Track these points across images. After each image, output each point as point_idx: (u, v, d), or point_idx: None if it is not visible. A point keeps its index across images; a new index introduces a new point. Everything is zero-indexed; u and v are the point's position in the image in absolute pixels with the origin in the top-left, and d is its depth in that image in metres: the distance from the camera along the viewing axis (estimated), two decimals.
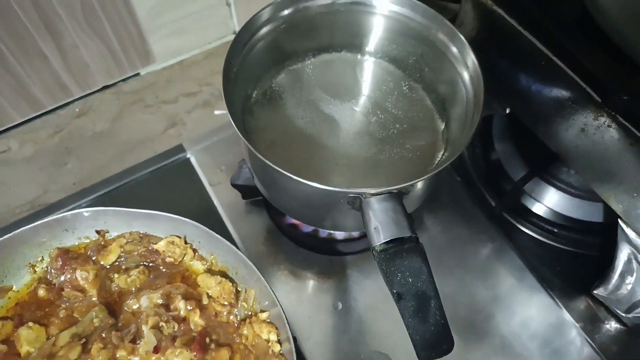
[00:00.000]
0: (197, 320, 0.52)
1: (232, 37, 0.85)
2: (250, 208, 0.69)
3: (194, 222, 0.53)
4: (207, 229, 0.52)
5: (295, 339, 0.50)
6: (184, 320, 0.52)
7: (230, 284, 0.53)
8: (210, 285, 0.53)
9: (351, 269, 0.66)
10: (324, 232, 0.66)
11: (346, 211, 0.49)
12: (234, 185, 0.66)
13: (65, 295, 0.53)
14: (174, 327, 0.51)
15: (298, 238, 0.67)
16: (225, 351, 0.51)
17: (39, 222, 0.52)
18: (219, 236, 0.52)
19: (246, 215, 0.69)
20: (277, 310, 0.50)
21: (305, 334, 0.61)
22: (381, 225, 0.45)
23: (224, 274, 0.55)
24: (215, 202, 0.69)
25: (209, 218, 0.66)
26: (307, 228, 0.66)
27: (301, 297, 0.64)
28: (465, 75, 0.52)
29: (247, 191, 0.67)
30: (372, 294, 0.65)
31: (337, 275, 0.66)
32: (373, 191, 0.45)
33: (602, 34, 0.50)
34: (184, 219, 0.53)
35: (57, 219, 0.53)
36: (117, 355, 0.50)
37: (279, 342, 0.50)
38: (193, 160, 0.73)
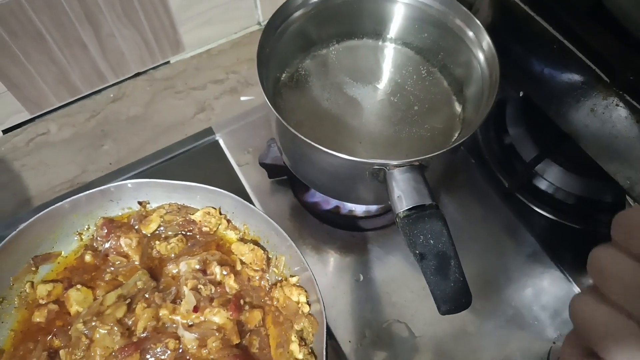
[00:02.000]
0: (232, 284, 0.56)
1: (257, 27, 0.90)
2: (275, 187, 0.74)
3: (229, 194, 0.57)
4: (242, 200, 0.57)
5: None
6: (219, 284, 0.56)
7: (262, 251, 0.57)
8: (243, 252, 0.57)
9: (372, 244, 0.70)
10: (345, 209, 0.70)
11: (370, 184, 0.53)
12: (262, 164, 0.70)
13: (111, 260, 0.58)
14: (211, 290, 0.55)
15: (321, 215, 0.71)
16: (257, 312, 0.55)
17: (86, 192, 0.57)
18: (253, 206, 0.56)
19: (272, 194, 0.73)
20: (307, 275, 0.54)
21: (329, 303, 0.65)
22: (404, 194, 0.49)
23: (255, 243, 0.59)
24: (243, 181, 0.74)
25: (238, 196, 0.71)
26: (329, 205, 0.70)
27: (325, 269, 0.68)
28: (481, 57, 0.56)
29: (273, 170, 0.71)
30: (392, 267, 0.69)
31: (358, 249, 0.70)
32: (396, 162, 0.49)
33: (612, 18, 0.53)
34: (220, 190, 0.57)
35: (102, 190, 0.58)
36: (160, 315, 0.54)
37: (308, 303, 0.54)
38: (221, 142, 0.78)
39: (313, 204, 0.71)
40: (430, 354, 0.62)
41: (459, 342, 0.64)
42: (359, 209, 0.70)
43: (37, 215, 0.55)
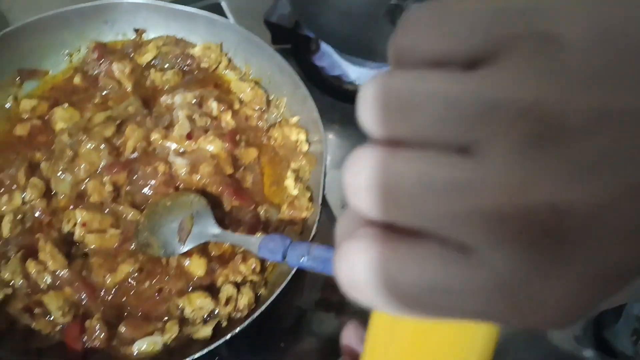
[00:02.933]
0: (228, 120, 0.53)
1: None
2: None
3: (234, 24, 0.54)
4: (247, 32, 0.53)
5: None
6: (215, 119, 0.54)
7: (263, 91, 0.55)
8: (243, 89, 0.54)
9: None
10: (348, 78, 0.67)
11: (383, 28, 0.50)
12: (267, 23, 0.67)
13: (102, 83, 0.54)
14: (206, 122, 0.52)
15: (325, 83, 0.68)
16: (253, 150, 0.53)
17: (77, 5, 0.53)
18: (257, 38, 0.53)
19: None
20: (310, 115, 0.51)
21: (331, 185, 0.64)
22: None
23: (256, 84, 0.56)
24: None
25: None
26: (334, 71, 0.67)
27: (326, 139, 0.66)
28: None
29: (278, 33, 0.68)
30: None
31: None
32: None
33: None
34: (224, 19, 0.54)
35: (95, 6, 0.54)
36: (151, 139, 0.51)
37: (307, 142, 0.52)
38: (224, 5, 0.73)
39: (318, 70, 0.68)
40: None
41: None
42: (363, 80, 0.68)
43: (23, 22, 0.51)
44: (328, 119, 0.68)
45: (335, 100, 0.70)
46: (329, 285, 0.60)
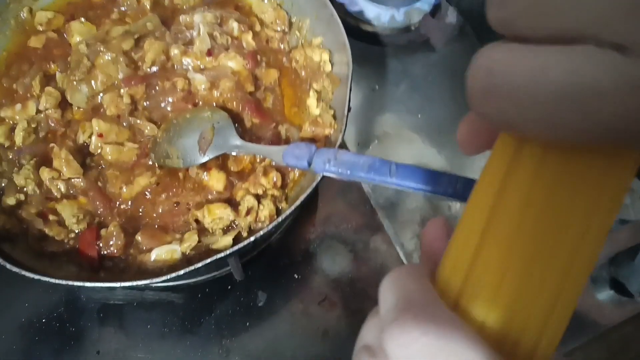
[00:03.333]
0: (249, 41, 0.52)
1: None
2: None
3: None
4: None
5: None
6: (236, 38, 0.52)
7: (285, 12, 0.53)
8: (265, 10, 0.53)
9: (390, 58, 0.67)
10: (367, 16, 0.66)
11: None
12: None
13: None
14: (227, 40, 0.51)
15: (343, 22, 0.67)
16: (274, 71, 0.52)
17: None
18: None
19: None
20: (334, 35, 0.50)
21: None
22: None
23: (279, 6, 0.55)
24: None
25: None
26: (354, 7, 0.66)
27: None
28: None
29: None
30: (410, 80, 0.66)
31: (376, 62, 0.67)
32: None
33: None
34: None
35: None
36: (171, 54, 0.50)
37: (330, 62, 0.51)
38: None
39: (338, 6, 0.66)
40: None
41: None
42: (382, 19, 0.66)
43: None
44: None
45: (353, 40, 0.69)
46: (343, 219, 0.59)
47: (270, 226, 0.39)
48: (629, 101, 0.12)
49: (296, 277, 0.55)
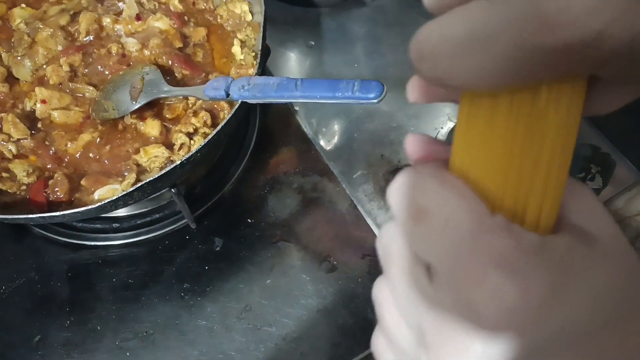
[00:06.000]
0: (176, 4, 0.56)
1: None
2: None
3: None
4: None
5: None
6: (164, 4, 0.57)
7: None
8: None
9: (324, 18, 0.71)
10: None
11: None
12: None
13: None
14: (154, 5, 0.56)
15: None
16: (202, 29, 0.56)
17: None
18: None
19: None
20: None
21: (278, 65, 0.67)
22: None
23: None
24: None
25: None
26: None
27: (273, 36, 0.68)
28: None
29: None
30: (343, 32, 0.70)
31: (311, 22, 0.71)
32: None
33: None
34: None
35: None
36: (103, 24, 0.54)
37: (251, 12, 0.55)
38: None
39: None
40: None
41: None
42: None
43: None
44: (278, 20, 0.71)
45: (286, 5, 0.73)
46: (291, 166, 0.63)
47: (195, 150, 0.43)
48: (517, 38, 0.14)
49: (249, 221, 0.59)
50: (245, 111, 0.62)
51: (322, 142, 0.63)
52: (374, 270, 0.56)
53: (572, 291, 0.17)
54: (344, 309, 0.54)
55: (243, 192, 0.61)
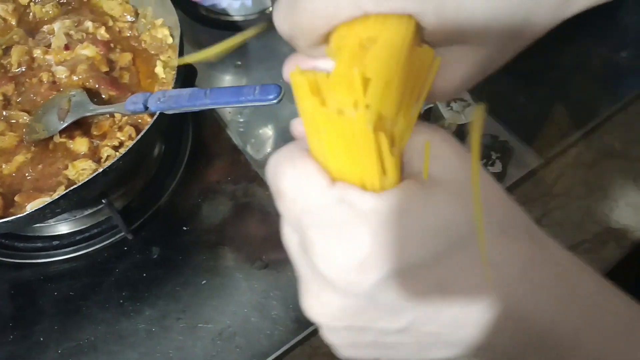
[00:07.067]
0: (102, 33, 0.61)
1: None
2: None
3: None
4: None
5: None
6: (92, 34, 0.61)
7: (131, 5, 0.63)
8: (113, 7, 0.63)
9: (250, 40, 0.77)
10: (220, 6, 0.76)
11: None
12: None
13: None
14: (82, 36, 0.60)
15: (198, 15, 0.77)
16: (128, 54, 0.61)
17: None
18: None
19: None
20: (170, 15, 0.59)
21: (207, 83, 0.72)
22: None
23: (125, 1, 0.64)
24: None
25: None
26: (207, 1, 0.76)
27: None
28: None
29: None
30: (268, 51, 0.75)
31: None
32: None
33: None
34: None
35: None
36: (34, 55, 0.59)
37: (171, 36, 0.60)
38: None
39: (193, 4, 0.76)
40: None
41: None
42: (233, 7, 0.76)
43: None
44: (196, 42, 0.76)
45: (212, 29, 0.78)
46: (223, 175, 0.67)
47: (116, 158, 0.47)
48: None
49: (185, 229, 0.63)
50: (178, 125, 0.67)
51: (251, 152, 0.68)
52: None
53: (400, 238, 0.20)
54: (276, 301, 0.58)
55: (179, 203, 0.65)
